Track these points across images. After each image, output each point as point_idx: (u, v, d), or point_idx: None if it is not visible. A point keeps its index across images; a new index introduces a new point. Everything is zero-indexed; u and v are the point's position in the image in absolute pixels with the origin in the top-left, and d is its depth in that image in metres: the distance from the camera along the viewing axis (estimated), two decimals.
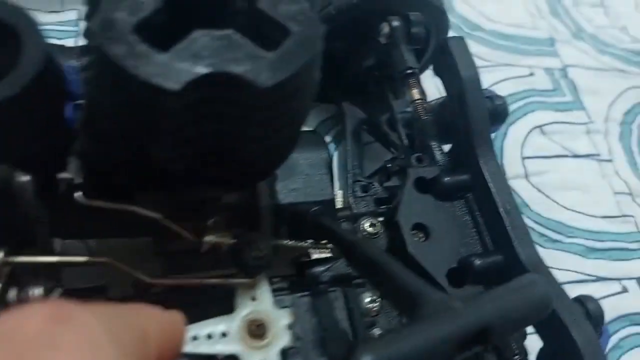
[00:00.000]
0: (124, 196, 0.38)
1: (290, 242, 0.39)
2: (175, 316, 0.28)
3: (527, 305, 0.30)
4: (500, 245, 0.43)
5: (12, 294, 0.35)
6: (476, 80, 0.46)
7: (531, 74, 0.72)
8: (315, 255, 0.51)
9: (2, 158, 0.34)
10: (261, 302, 0.37)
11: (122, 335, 0.20)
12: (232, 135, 0.30)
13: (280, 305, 0.38)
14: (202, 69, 0.27)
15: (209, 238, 0.36)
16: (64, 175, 0.34)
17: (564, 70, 0.74)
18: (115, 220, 0.42)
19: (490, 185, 0.43)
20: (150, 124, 0.29)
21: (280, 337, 0.36)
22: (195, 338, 0.34)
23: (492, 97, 0.48)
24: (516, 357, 0.39)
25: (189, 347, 0.33)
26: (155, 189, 0.34)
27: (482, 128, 0.45)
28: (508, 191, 0.43)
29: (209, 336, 0.34)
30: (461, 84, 0.46)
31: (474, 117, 0.45)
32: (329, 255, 0.49)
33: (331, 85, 0.59)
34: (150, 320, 0.25)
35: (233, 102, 0.29)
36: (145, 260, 0.43)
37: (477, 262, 0.41)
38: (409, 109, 0.61)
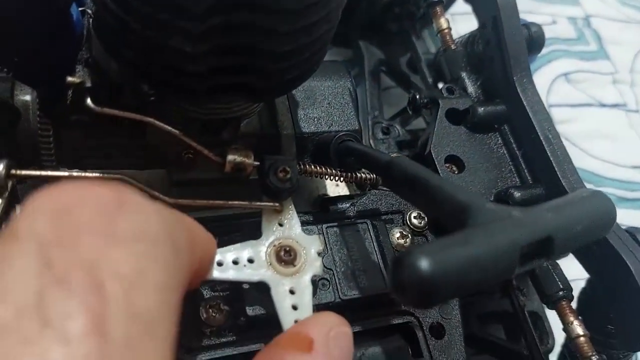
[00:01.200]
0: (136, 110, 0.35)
1: (316, 168, 0.36)
2: (209, 234, 0.26)
3: (591, 216, 0.27)
4: (540, 177, 0.40)
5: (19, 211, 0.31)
6: (512, 4, 0.43)
7: (554, 22, 0.69)
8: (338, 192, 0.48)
9: (8, 67, 0.31)
10: (289, 228, 0.33)
11: (176, 233, 0.19)
12: (262, 29, 0.27)
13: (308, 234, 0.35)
14: None
15: (232, 157, 0.33)
16: (72, 78, 0.31)
17: (586, 19, 0.70)
18: (124, 145, 0.39)
19: (531, 114, 0.40)
20: (175, 11, 0.25)
21: (311, 264, 0.33)
22: (220, 264, 0.31)
23: (527, 24, 0.44)
24: (560, 292, 0.37)
25: (216, 274, 0.30)
26: (172, 96, 0.31)
27: (519, 55, 0.42)
28: (549, 120, 0.40)
29: (235, 262, 0.31)
30: (496, 9, 0.42)
31: (510, 44, 0.42)
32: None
33: (348, 23, 0.56)
34: (196, 229, 0.24)
35: None
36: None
37: (517, 194, 0.38)
38: (432, 51, 0.58)
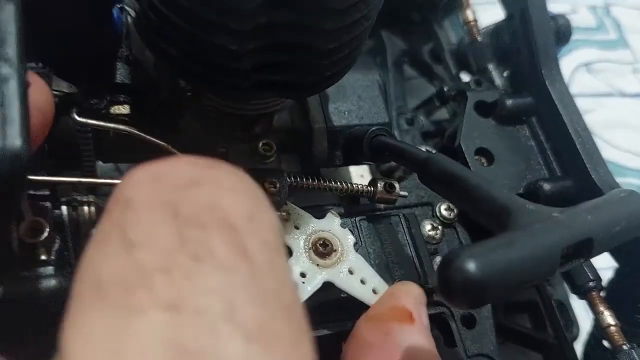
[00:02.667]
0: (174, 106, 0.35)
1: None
2: None
3: (629, 216, 0.27)
4: (569, 169, 0.40)
5: (64, 211, 0.32)
6: None
7: (574, 11, 0.69)
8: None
9: (49, 63, 0.31)
10: (325, 220, 0.34)
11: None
12: (306, 27, 0.27)
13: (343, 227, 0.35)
14: None
15: None
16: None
17: (606, 8, 0.70)
18: (162, 141, 0.40)
19: (559, 106, 0.40)
20: (222, 10, 0.26)
21: (347, 256, 0.34)
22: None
23: (554, 16, 0.45)
24: (590, 282, 0.37)
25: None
26: (214, 92, 0.31)
27: (547, 47, 0.42)
28: (577, 112, 0.40)
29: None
30: (525, 1, 0.43)
31: (538, 36, 0.42)
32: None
33: None
34: None
35: None
36: None
37: (547, 186, 0.39)
38: (453, 42, 0.58)
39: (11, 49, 0.23)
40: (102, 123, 0.31)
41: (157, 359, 0.13)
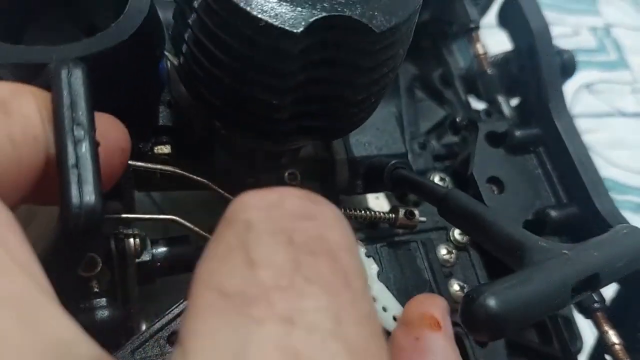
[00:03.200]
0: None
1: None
2: None
3: (631, 251, 0.31)
4: (574, 197, 0.43)
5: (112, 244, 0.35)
6: (547, 32, 0.46)
7: (575, 33, 0.72)
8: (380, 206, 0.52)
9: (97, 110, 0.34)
10: None
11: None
12: (340, 82, 0.30)
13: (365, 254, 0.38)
14: (320, 12, 0.27)
15: None
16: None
17: (606, 29, 0.73)
18: (196, 171, 0.43)
19: (564, 138, 0.43)
20: (265, 70, 0.28)
21: (372, 285, 0.36)
22: None
23: (560, 51, 0.47)
24: (595, 304, 0.40)
25: None
26: (250, 136, 0.34)
27: (554, 81, 0.45)
28: (582, 144, 0.43)
29: None
30: (531, 36, 0.46)
31: (545, 71, 0.45)
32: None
33: None
34: None
35: (345, 47, 0.29)
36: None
37: (554, 213, 0.42)
38: (461, 66, 0.61)
39: (82, 112, 0.26)
40: (150, 165, 0.34)
41: None
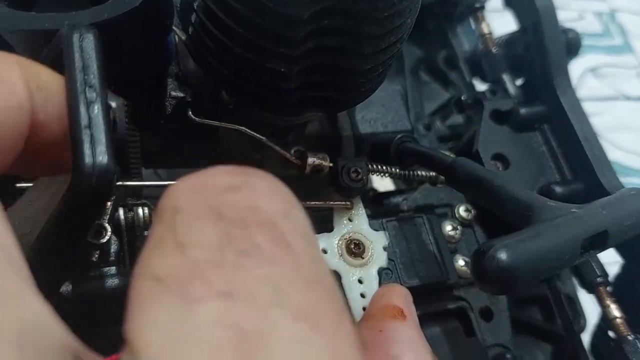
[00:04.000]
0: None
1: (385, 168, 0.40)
2: None
3: (638, 212, 0.31)
4: (579, 174, 0.43)
5: (121, 213, 0.35)
6: (552, 11, 0.46)
7: (581, 18, 0.72)
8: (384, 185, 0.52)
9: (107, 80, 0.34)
10: (358, 223, 0.37)
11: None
12: (348, 50, 0.30)
13: (371, 228, 0.39)
14: None
15: (312, 160, 0.36)
16: (175, 93, 0.34)
17: (611, 14, 0.73)
18: (198, 147, 0.43)
19: (570, 115, 0.43)
20: (274, 37, 0.29)
21: (378, 257, 0.37)
22: None
23: (565, 30, 0.48)
24: (598, 278, 0.40)
25: None
26: (260, 108, 0.34)
27: (559, 59, 0.45)
28: (586, 121, 0.44)
29: None
30: (537, 15, 0.46)
31: (551, 49, 0.45)
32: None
33: None
34: None
35: (353, 13, 0.29)
36: None
37: (558, 189, 0.42)
38: (466, 49, 0.61)
39: (94, 76, 0.26)
40: (216, 122, 0.34)
41: (218, 339, 0.15)
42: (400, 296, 0.29)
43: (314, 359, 0.16)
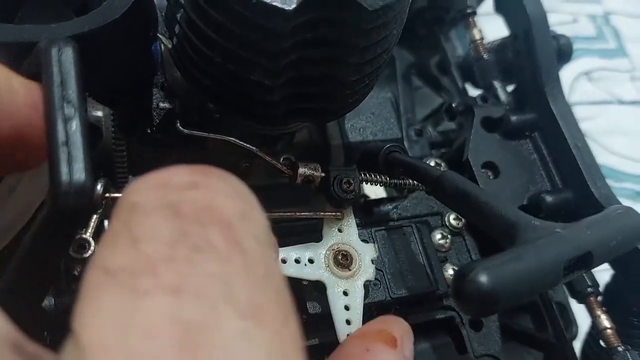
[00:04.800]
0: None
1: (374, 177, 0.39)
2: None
3: (624, 231, 0.30)
4: (570, 182, 0.43)
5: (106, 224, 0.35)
6: (543, 17, 0.45)
7: (574, 21, 0.72)
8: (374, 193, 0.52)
9: (90, 90, 0.34)
10: (347, 234, 0.37)
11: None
12: (333, 62, 0.30)
13: (359, 238, 0.38)
14: None
15: (303, 170, 0.36)
16: (163, 104, 0.34)
17: (605, 17, 0.73)
18: (185, 156, 0.43)
19: (561, 123, 0.43)
20: (257, 49, 0.28)
21: (365, 270, 0.37)
22: (284, 261, 0.35)
23: (556, 36, 0.47)
24: (589, 288, 0.40)
25: None
26: (244, 119, 0.34)
27: (550, 66, 0.45)
28: (577, 129, 0.43)
29: (297, 261, 0.35)
30: (528, 21, 0.45)
31: (542, 56, 0.45)
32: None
33: None
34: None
35: (338, 25, 0.28)
36: None
37: (549, 198, 0.42)
38: (458, 54, 0.61)
39: (72, 91, 0.25)
40: (205, 134, 0.34)
41: (162, 332, 0.15)
42: (400, 329, 0.29)
43: (255, 354, 0.16)
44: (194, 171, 0.19)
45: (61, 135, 0.24)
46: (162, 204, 0.18)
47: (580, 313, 0.48)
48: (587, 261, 0.29)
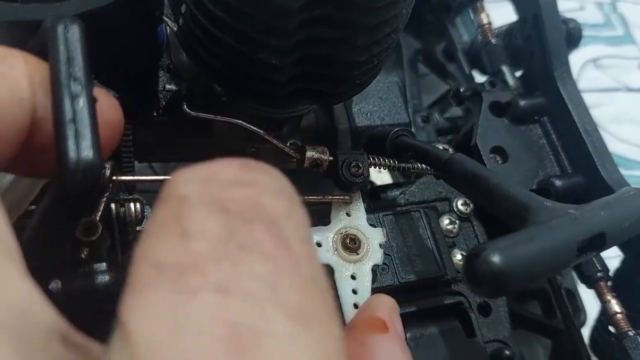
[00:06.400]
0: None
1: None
2: None
3: (637, 213, 0.30)
4: (579, 167, 0.42)
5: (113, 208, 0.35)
6: (552, 1, 0.45)
7: (581, 8, 0.71)
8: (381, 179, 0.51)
9: (96, 73, 0.34)
10: (355, 218, 0.37)
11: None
12: (341, 42, 0.30)
13: (368, 223, 0.38)
14: None
15: (310, 154, 0.36)
16: (170, 86, 0.34)
17: (613, 4, 0.72)
18: (191, 141, 0.42)
19: (570, 107, 0.43)
20: (265, 28, 0.28)
21: (373, 254, 0.36)
22: None
23: (565, 20, 0.47)
24: (599, 273, 0.40)
25: None
26: (252, 100, 0.34)
27: (559, 50, 0.44)
28: (587, 112, 0.43)
29: None
30: (537, 5, 0.45)
31: (551, 39, 0.44)
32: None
33: None
34: None
35: (347, 2, 0.28)
36: None
37: (558, 182, 0.41)
38: (465, 40, 0.60)
39: (79, 68, 0.25)
40: (212, 116, 0.34)
41: (211, 333, 0.15)
42: (385, 307, 0.29)
43: (300, 358, 0.16)
44: (241, 166, 0.19)
45: (68, 113, 0.24)
46: (211, 199, 0.18)
47: (587, 300, 0.48)
48: (601, 242, 0.28)
